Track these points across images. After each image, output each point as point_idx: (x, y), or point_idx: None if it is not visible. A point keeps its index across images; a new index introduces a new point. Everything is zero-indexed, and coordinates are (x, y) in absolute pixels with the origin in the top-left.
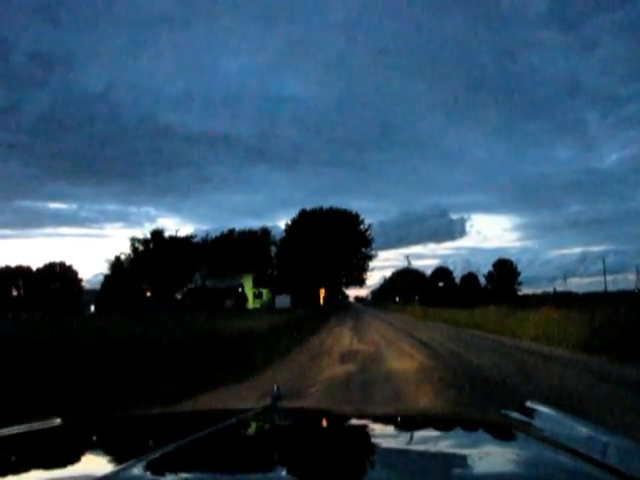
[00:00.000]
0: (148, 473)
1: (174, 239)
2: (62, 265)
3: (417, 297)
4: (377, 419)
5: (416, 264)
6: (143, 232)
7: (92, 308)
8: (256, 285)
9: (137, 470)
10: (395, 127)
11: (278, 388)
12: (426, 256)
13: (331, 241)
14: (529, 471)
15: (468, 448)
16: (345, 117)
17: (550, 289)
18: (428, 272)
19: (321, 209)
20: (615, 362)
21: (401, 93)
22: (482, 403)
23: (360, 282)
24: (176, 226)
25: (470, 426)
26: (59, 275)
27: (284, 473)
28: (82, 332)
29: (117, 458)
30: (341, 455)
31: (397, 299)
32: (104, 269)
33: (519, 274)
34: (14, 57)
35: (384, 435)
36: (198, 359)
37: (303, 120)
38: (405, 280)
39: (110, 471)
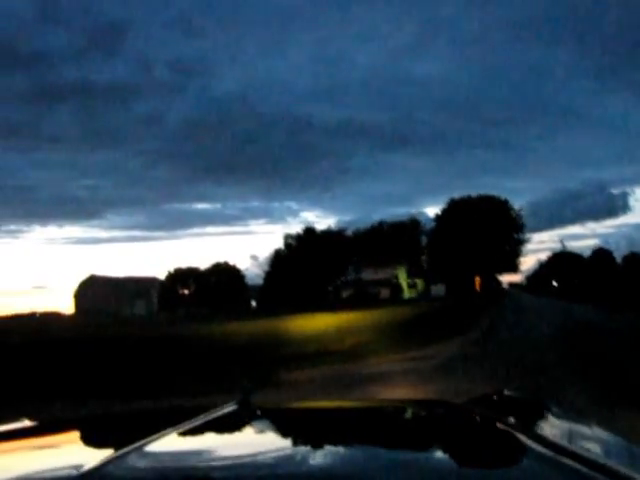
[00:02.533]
0: (121, 469)
1: (326, 233)
2: (226, 264)
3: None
4: (352, 411)
5: (573, 245)
6: (289, 227)
7: (253, 303)
8: (409, 275)
9: (110, 467)
10: (541, 100)
11: (249, 382)
12: (585, 236)
13: (481, 229)
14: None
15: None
16: (487, 95)
17: None
18: (588, 253)
19: (469, 197)
20: None
21: (545, 64)
22: None
23: (513, 268)
24: (318, 219)
25: (437, 413)
26: (224, 273)
27: (257, 471)
28: None
29: (84, 456)
30: (318, 451)
31: (554, 284)
32: (250, 265)
33: None
34: (157, 69)
35: (359, 428)
36: None
37: (443, 101)
38: (561, 264)
39: (80, 469)
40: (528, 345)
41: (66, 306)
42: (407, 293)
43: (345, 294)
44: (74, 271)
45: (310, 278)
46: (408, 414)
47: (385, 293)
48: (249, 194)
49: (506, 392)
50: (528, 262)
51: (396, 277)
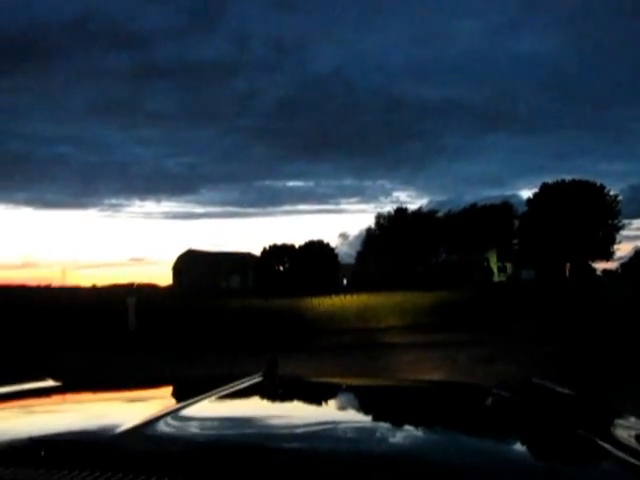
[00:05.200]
0: (155, 432)
1: (417, 214)
2: (320, 242)
3: None
4: (376, 388)
5: None
6: (381, 206)
7: (344, 281)
8: (499, 259)
9: (145, 430)
10: None
11: (274, 355)
12: None
13: (574, 214)
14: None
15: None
16: (588, 74)
17: None
18: None
19: (563, 181)
20: None
21: None
22: None
23: (607, 255)
24: (410, 199)
25: (469, 395)
26: (317, 251)
27: (281, 444)
28: None
29: (112, 420)
30: (340, 426)
31: None
32: (339, 243)
33: None
34: (254, 46)
35: (381, 404)
36: None
37: (541, 80)
38: None
39: (110, 432)
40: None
41: (163, 278)
42: (497, 276)
43: (435, 275)
44: (170, 245)
45: (401, 258)
46: (435, 394)
47: (475, 276)
48: (342, 172)
49: (535, 380)
50: (624, 249)
51: (487, 260)
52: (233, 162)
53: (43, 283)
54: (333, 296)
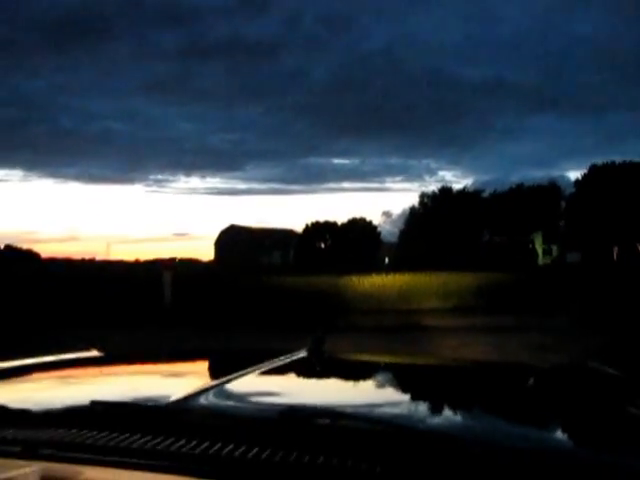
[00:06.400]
0: (197, 407)
1: (462, 193)
2: (362, 220)
3: None
4: (423, 367)
5: None
6: (426, 185)
7: (386, 260)
8: (545, 241)
9: (193, 401)
10: None
11: (322, 331)
12: None
13: (624, 196)
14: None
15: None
16: None
17: None
18: None
19: (613, 163)
20: None
21: None
22: None
23: None
24: (455, 178)
25: (526, 375)
26: (360, 229)
27: (325, 419)
28: None
29: (160, 391)
30: (388, 404)
31: None
32: (382, 222)
33: None
34: (303, 24)
35: (427, 383)
36: None
37: (593, 61)
38: None
39: (161, 401)
40: None
41: (206, 254)
42: (542, 259)
43: (480, 256)
44: (214, 220)
45: (444, 238)
46: (482, 373)
47: (520, 257)
48: (388, 151)
49: (590, 364)
50: None
51: (532, 242)
52: (279, 139)
53: (87, 257)
54: (374, 275)
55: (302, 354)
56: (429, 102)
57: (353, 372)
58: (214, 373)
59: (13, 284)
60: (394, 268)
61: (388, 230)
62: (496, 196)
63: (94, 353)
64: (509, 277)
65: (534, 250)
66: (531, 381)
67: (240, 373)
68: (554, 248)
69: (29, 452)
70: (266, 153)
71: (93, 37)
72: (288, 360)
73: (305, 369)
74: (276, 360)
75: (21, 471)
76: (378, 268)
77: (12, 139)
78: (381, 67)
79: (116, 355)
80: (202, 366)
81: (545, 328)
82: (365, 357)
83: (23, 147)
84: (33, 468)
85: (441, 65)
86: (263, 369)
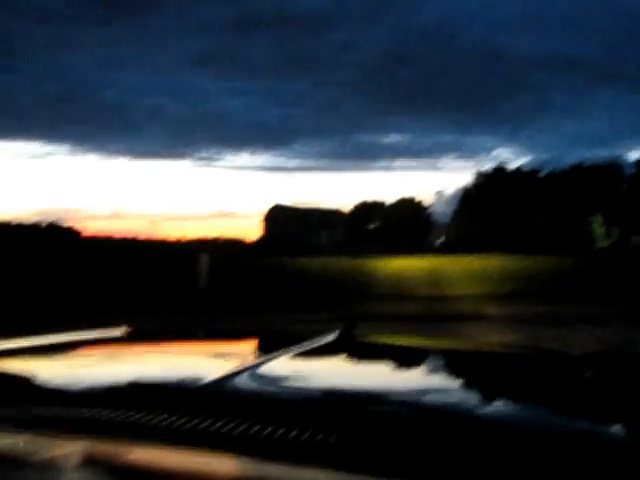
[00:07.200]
0: (230, 388)
1: (517, 173)
2: (412, 200)
3: None
4: (460, 352)
5: None
6: (480, 164)
7: (438, 241)
8: (605, 223)
9: (226, 383)
10: None
11: (354, 315)
12: None
13: None
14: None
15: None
16: None
17: None
18: None
19: None
20: None
21: None
22: None
23: None
24: (512, 156)
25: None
26: (410, 209)
27: (357, 403)
28: None
29: (194, 372)
30: (422, 392)
31: None
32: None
33: None
34: None
35: (463, 369)
36: None
37: None
38: None
39: (195, 382)
40: None
41: (253, 232)
42: (602, 241)
43: (537, 238)
44: (262, 198)
45: (499, 219)
46: (519, 359)
47: (579, 240)
48: (442, 127)
49: (625, 351)
50: None
51: (591, 224)
52: (328, 115)
53: (130, 235)
54: (423, 257)
55: (332, 337)
56: (485, 78)
57: (387, 357)
58: (245, 355)
59: (48, 264)
60: (446, 249)
61: (442, 210)
62: (553, 175)
63: (125, 330)
64: (567, 261)
65: (594, 232)
66: (568, 368)
67: (272, 355)
68: (614, 231)
69: (70, 431)
70: (316, 129)
71: (140, 10)
72: (319, 343)
73: (335, 353)
74: (307, 343)
75: (63, 450)
76: (428, 250)
77: (59, 114)
78: (434, 41)
79: (149, 334)
80: (233, 347)
81: (611, 320)
82: (398, 341)
83: (70, 123)
84: (74, 448)
85: (498, 39)
86: (295, 352)
